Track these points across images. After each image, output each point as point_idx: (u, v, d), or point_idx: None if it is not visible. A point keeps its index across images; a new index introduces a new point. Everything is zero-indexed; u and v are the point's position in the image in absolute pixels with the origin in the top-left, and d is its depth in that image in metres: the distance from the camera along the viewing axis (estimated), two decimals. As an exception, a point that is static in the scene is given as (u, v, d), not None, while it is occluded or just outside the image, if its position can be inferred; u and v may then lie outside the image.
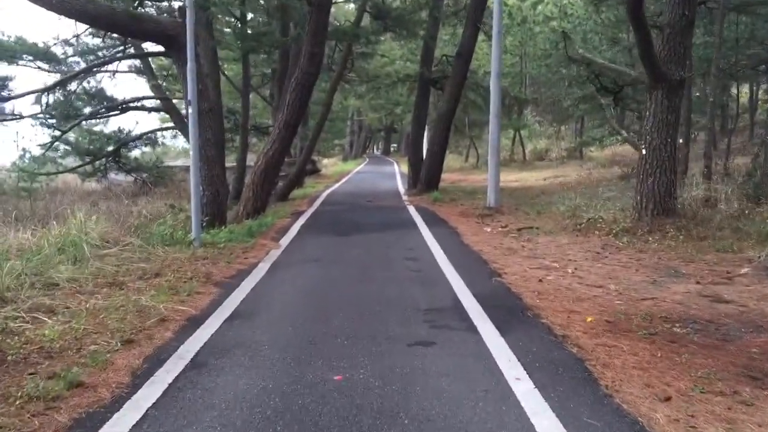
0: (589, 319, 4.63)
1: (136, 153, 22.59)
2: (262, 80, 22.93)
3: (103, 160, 17.24)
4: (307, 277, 6.25)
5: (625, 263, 6.83)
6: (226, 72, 21.46)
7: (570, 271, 6.69)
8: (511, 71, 25.34)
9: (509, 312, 4.84)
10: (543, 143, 28.97)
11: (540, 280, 6.15)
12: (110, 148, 17.05)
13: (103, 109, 14.73)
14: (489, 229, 10.08)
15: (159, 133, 18.92)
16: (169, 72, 18.86)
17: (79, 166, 16.55)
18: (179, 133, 16.34)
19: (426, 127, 20.21)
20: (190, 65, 7.71)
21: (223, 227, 8.91)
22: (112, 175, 19.75)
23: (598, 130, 24.33)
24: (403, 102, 28.53)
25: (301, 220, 10.89)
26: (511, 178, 23.38)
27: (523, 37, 25.46)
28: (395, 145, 68.66)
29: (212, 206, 9.08)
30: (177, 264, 6.48)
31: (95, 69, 13.86)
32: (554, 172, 23.32)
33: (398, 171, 29.81)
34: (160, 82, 16.74)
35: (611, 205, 10.61)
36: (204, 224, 8.88)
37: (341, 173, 28.21)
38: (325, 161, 33.62)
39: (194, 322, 4.49)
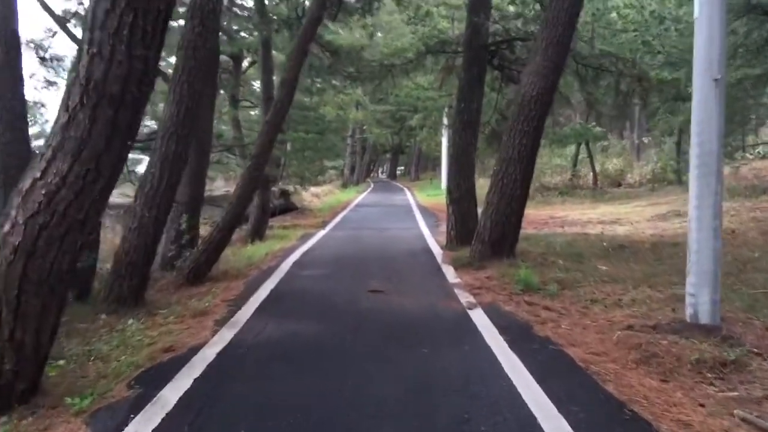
0: None
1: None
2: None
3: None
4: None
5: None
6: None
7: None
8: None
9: None
10: (617, 162, 20.77)
11: None
12: None
13: None
14: None
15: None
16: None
17: None
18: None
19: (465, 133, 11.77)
20: None
21: None
22: None
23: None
24: (422, 107, 20.48)
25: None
26: (593, 215, 15.25)
27: (597, 9, 17.61)
28: (402, 168, 61.10)
29: None
30: None
31: None
32: (659, 205, 15.20)
33: (414, 203, 21.67)
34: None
35: None
36: None
37: (334, 208, 19.83)
38: (316, 189, 25.32)
39: None
